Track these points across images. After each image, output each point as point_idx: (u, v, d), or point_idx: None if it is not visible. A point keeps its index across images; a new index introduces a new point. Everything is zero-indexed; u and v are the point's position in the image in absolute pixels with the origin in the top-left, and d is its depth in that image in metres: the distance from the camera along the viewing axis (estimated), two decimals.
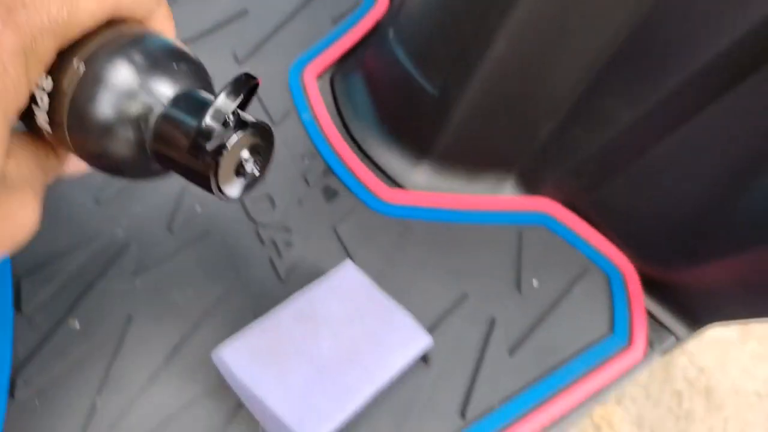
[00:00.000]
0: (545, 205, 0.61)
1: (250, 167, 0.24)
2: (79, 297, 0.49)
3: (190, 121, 0.23)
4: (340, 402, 0.44)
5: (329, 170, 0.61)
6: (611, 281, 0.58)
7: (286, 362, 0.45)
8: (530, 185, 0.62)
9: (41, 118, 0.25)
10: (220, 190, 0.24)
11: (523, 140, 0.58)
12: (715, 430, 0.95)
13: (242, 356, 0.44)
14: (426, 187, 0.61)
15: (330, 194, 0.59)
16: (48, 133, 0.25)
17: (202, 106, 0.23)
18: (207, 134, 0.22)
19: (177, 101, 0.24)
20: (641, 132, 0.52)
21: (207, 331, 0.50)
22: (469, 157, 0.61)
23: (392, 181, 0.62)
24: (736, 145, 0.48)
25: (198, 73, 0.26)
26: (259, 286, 0.52)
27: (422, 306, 0.53)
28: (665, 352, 0.56)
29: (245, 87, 0.23)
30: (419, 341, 0.48)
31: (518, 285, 0.56)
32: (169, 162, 0.25)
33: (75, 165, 0.29)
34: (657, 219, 0.57)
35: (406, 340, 0.48)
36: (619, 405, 0.94)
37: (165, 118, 0.24)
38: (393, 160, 0.62)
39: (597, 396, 0.52)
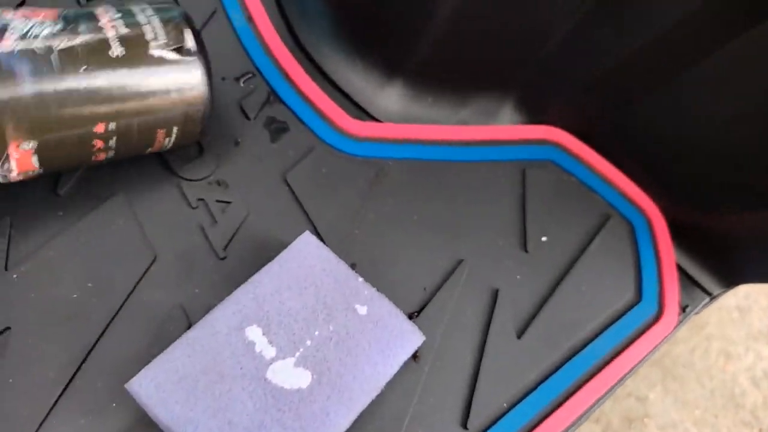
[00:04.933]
0: (553, 134, 0.48)
1: None
2: None
3: None
4: None
5: (274, 96, 0.46)
6: (636, 231, 0.46)
7: (227, 390, 0.32)
8: (534, 109, 0.48)
9: None
10: None
11: (527, 45, 0.43)
12: (697, 351, 0.90)
13: (165, 389, 0.32)
14: (400, 115, 0.47)
15: (276, 130, 0.45)
16: None
17: None
18: None
19: None
20: (685, 37, 0.38)
21: (118, 341, 0.36)
22: (455, 74, 0.46)
23: (357, 107, 0.47)
24: None
25: None
26: (188, 267, 0.39)
27: (405, 280, 0.41)
28: (696, 314, 0.46)
29: None
30: (409, 342, 0.36)
31: (524, 242, 0.44)
32: None
33: None
34: (694, 148, 0.44)
35: (392, 343, 0.36)
36: None
37: None
38: (356, 77, 0.47)
39: (624, 379, 0.42)
